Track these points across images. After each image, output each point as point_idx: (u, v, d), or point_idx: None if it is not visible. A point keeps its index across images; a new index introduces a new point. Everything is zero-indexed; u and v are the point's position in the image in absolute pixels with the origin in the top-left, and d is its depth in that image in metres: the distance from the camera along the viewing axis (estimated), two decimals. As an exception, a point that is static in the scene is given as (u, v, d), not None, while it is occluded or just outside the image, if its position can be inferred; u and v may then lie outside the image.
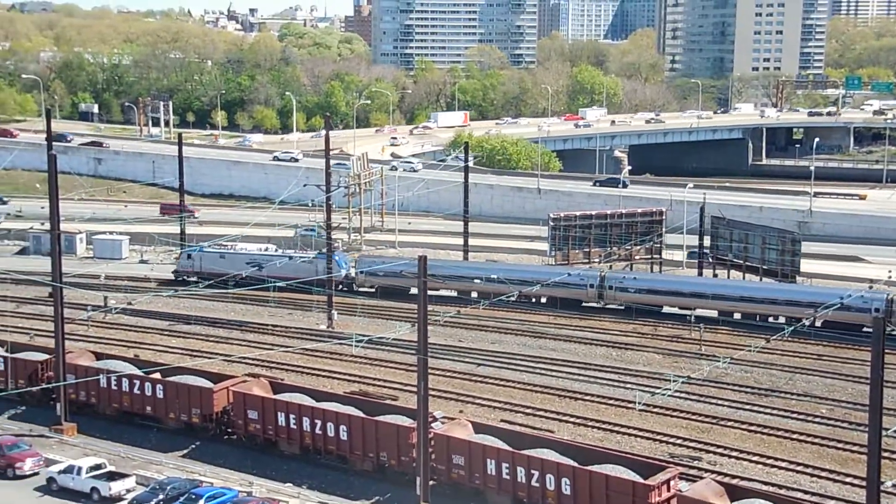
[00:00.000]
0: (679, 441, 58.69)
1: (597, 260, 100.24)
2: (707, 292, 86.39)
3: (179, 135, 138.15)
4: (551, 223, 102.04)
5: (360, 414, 55.87)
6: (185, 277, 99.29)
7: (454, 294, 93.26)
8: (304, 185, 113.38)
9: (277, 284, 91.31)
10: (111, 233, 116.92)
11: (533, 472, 49.37)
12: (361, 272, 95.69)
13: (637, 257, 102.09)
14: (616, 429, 60.74)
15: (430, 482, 49.83)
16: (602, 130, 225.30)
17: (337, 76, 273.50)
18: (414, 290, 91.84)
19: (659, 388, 66.33)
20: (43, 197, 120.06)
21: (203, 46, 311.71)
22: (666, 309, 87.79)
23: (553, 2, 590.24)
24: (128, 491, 52.40)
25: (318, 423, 56.21)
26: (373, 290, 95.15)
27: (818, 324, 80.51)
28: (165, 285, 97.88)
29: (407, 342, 74.06)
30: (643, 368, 72.94)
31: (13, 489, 53.59)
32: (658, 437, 59.26)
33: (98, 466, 53.61)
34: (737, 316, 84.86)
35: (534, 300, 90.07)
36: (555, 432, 58.75)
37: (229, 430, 60.07)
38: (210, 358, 72.31)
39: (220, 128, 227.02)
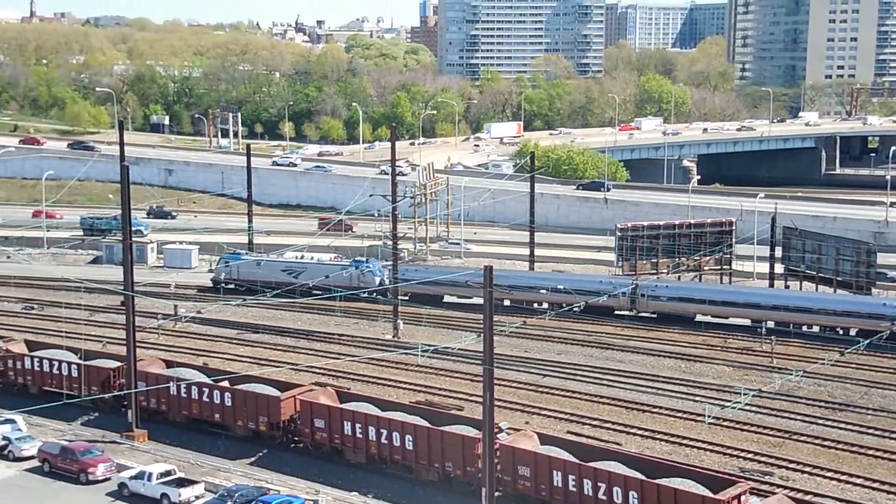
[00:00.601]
0: (750, 455, 57.58)
1: (664, 271, 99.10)
2: (739, 301, 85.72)
3: (248, 146, 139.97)
4: (618, 233, 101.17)
5: (426, 424, 55.77)
6: (222, 285, 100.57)
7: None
8: (371, 196, 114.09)
9: (315, 293, 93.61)
10: (181, 242, 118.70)
11: (600, 484, 48.79)
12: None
13: (706, 268, 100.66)
14: (685, 442, 59.81)
15: (496, 493, 49.48)
16: (687, 139, 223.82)
17: (403, 87, 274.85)
18: (448, 298, 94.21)
19: (729, 401, 65.19)
20: (115, 207, 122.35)
21: (271, 58, 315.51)
22: (700, 318, 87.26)
23: (620, 10, 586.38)
24: (197, 497, 52.92)
25: (384, 432, 56.25)
26: (406, 297, 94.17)
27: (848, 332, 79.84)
28: (205, 292, 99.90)
29: (472, 352, 73.81)
30: (713, 381, 71.76)
31: (86, 494, 54.47)
32: (728, 451, 58.21)
33: (168, 473, 54.25)
34: (770, 324, 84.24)
35: (601, 311, 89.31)
36: (622, 445, 58.04)
37: (296, 438, 60.39)
38: (277, 367, 72.91)
39: (287, 139, 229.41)
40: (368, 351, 79.52)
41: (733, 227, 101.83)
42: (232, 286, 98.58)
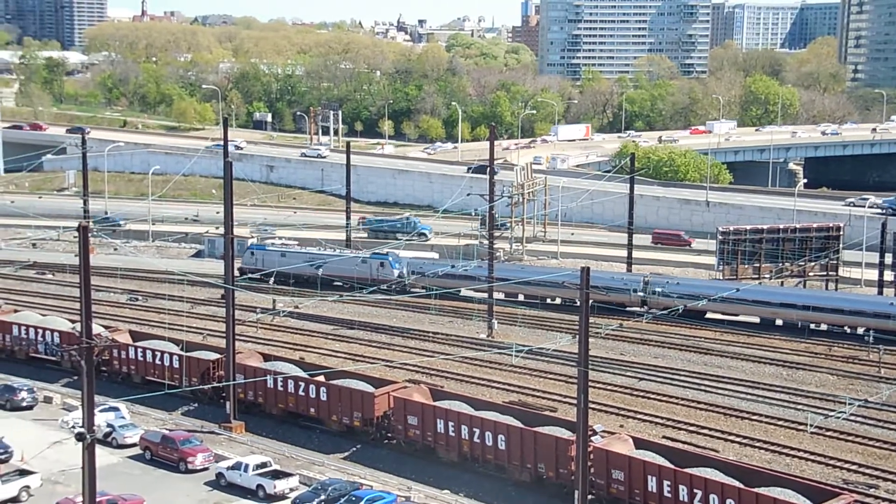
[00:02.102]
0: (854, 467, 55.79)
1: (767, 276, 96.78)
2: (748, 298, 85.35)
3: (348, 143, 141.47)
4: (720, 237, 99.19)
5: (519, 424, 55.47)
6: (249, 274, 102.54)
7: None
8: (468, 195, 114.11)
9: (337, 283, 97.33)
10: (280, 238, 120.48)
11: (696, 491, 47.82)
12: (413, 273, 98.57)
13: (811, 274, 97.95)
14: (785, 451, 58.27)
15: (589, 496, 48.91)
16: (795, 141, 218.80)
17: (503, 86, 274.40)
18: (466, 292, 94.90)
19: (833, 410, 63.29)
20: (218, 202, 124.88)
21: (372, 57, 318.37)
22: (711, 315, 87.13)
23: (727, 10, 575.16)
24: (291, 490, 53.57)
25: (477, 431, 56.12)
26: (423, 290, 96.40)
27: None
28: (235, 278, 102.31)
29: (567, 353, 73.20)
30: (815, 389, 69.71)
31: (186, 482, 55.63)
32: (831, 462, 56.50)
33: (264, 464, 55.05)
34: (778, 322, 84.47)
35: (703, 315, 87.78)
36: (719, 452, 56.84)
37: (389, 434, 60.70)
38: (372, 363, 73.41)
39: (386, 137, 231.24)
40: (462, 349, 79.49)
41: (841, 233, 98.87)
42: (258, 276, 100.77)
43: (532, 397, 67.49)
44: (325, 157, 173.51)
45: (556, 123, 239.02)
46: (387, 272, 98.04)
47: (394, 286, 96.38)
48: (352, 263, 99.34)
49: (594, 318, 68.04)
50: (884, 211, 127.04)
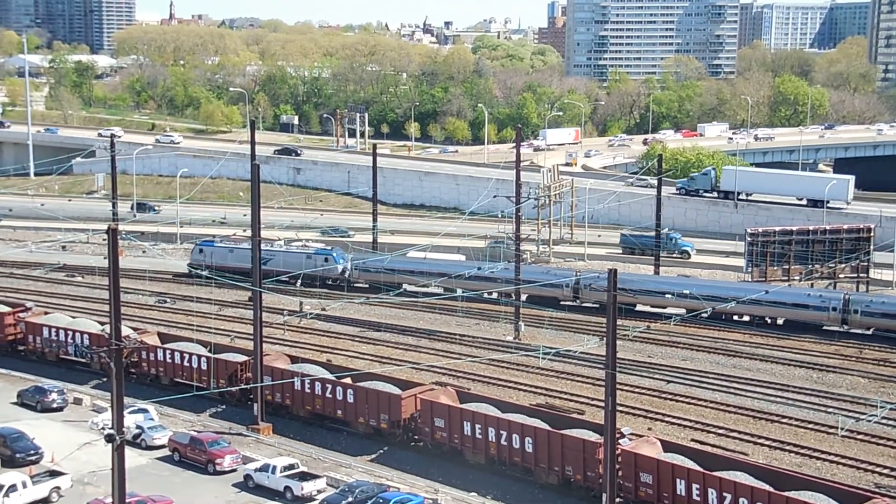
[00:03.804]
0: (886, 471, 55.20)
1: (797, 277, 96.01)
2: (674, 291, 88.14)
3: (374, 146, 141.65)
4: (749, 238, 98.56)
5: (546, 427, 55.27)
6: (197, 271, 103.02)
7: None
8: (495, 197, 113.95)
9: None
10: (307, 240, 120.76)
11: (725, 494, 47.45)
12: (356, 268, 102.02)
13: (841, 276, 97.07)
14: (815, 454, 57.76)
15: (617, 499, 48.64)
16: (825, 142, 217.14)
17: (529, 88, 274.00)
18: (408, 287, 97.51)
19: (864, 413, 62.65)
20: (245, 205, 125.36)
21: (398, 59, 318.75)
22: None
23: (756, 10, 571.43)
24: (319, 492, 53.62)
25: (504, 433, 55.98)
26: (366, 285, 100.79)
27: None
28: (181, 276, 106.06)
29: (595, 356, 72.90)
30: (847, 392, 69.06)
31: (214, 484, 55.83)
32: (862, 466, 55.94)
33: (291, 466, 55.16)
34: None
35: (734, 318, 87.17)
36: (749, 455, 56.40)
37: (416, 436, 60.67)
38: (399, 365, 73.42)
39: (412, 139, 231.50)
40: (489, 352, 79.36)
41: (871, 234, 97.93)
42: (206, 273, 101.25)
43: (559, 400, 67.27)
44: (178, 144, 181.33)
45: (583, 125, 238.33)
46: (331, 267, 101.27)
47: (338, 280, 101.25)
48: (298, 259, 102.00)
49: (621, 321, 67.64)
50: None
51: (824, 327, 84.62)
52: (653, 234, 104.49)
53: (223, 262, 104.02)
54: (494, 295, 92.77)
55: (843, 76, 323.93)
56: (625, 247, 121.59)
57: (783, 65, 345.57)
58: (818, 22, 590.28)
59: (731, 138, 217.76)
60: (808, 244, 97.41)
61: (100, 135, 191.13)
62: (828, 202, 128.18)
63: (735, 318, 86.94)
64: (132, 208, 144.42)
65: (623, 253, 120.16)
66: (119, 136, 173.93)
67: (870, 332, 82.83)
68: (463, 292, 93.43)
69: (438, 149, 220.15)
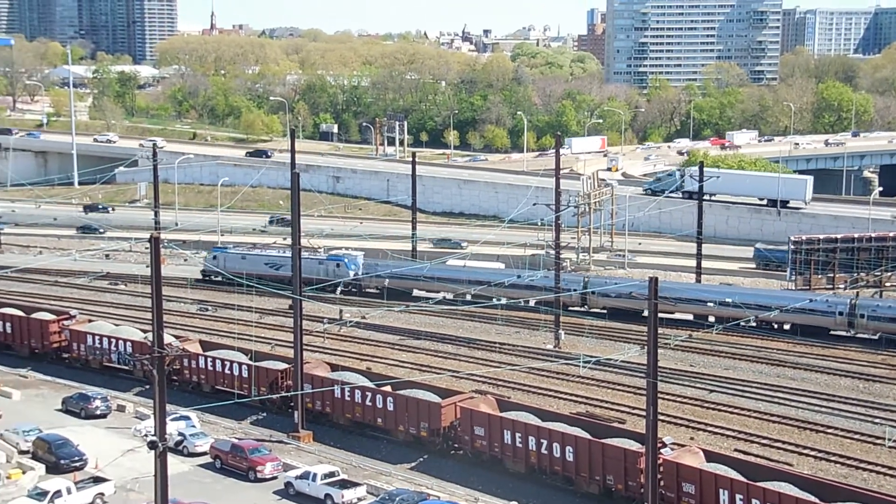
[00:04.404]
0: (934, 483, 54.22)
1: (842, 286, 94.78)
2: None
3: (413, 154, 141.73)
4: (792, 246, 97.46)
5: (587, 436, 54.94)
6: (211, 276, 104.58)
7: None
8: (534, 204, 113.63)
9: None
10: (347, 248, 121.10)
11: (769, 506, 46.82)
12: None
13: (888, 284, 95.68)
14: (862, 465, 56.92)
15: (659, 511, 48.20)
16: (869, 148, 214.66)
17: (568, 95, 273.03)
18: (419, 293, 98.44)
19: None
20: (285, 213, 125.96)
21: (437, 67, 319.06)
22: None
23: (798, 16, 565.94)
24: (359, 500, 53.70)
25: (544, 442, 55.71)
26: (378, 291, 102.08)
27: None
28: (197, 282, 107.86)
29: (636, 365, 72.37)
30: (894, 402, 67.97)
31: (255, 491, 56.06)
32: (910, 478, 55.00)
33: (332, 474, 55.24)
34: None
35: (775, 326, 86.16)
36: (793, 465, 55.65)
37: (456, 445, 60.54)
38: (438, 373, 73.32)
39: (452, 147, 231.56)
40: (529, 360, 79.07)
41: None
42: (219, 278, 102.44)
43: (600, 408, 66.83)
44: (114, 143, 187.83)
45: (623, 132, 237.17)
46: (342, 272, 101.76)
47: (350, 286, 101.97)
48: (310, 265, 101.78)
49: (662, 329, 67.21)
50: None
51: (831, 332, 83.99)
52: (785, 248, 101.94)
53: (236, 268, 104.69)
54: (532, 303, 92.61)
55: (888, 82, 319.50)
56: (759, 259, 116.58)
57: (827, 71, 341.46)
58: (862, 27, 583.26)
59: (797, 144, 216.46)
60: (854, 252, 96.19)
61: (141, 145, 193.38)
62: (786, 202, 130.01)
63: (774, 326, 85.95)
64: (84, 210, 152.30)
65: (756, 268, 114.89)
66: (162, 147, 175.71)
67: (876, 337, 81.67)
68: (500, 300, 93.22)
69: (469, 157, 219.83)
